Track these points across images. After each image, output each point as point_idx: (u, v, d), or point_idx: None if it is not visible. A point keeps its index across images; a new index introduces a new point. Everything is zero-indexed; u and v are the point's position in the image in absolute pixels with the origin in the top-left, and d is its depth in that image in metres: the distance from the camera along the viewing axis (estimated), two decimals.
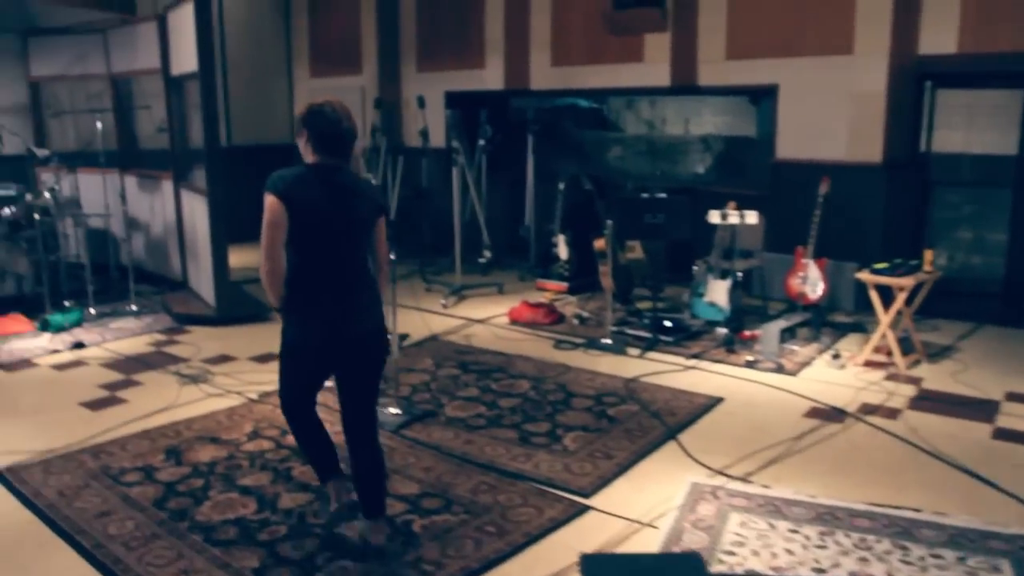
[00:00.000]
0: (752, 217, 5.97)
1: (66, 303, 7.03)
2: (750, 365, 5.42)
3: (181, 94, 7.31)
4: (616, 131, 10.27)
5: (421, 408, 4.71)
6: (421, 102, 9.00)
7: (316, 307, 2.96)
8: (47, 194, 7.00)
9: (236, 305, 6.75)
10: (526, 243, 8.67)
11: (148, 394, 5.06)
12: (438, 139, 9.31)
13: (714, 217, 6.05)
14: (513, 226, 8.98)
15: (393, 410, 4.56)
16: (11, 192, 7.37)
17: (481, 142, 8.59)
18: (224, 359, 5.76)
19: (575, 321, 6.57)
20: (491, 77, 9.15)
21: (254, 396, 4.98)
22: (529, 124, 8.49)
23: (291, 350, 3.09)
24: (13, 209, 7.17)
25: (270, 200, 2.88)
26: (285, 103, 11.14)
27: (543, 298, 7.25)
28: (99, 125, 7.28)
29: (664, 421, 4.48)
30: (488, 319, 6.76)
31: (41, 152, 6.42)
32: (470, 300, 7.44)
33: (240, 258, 9.48)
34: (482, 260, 8.07)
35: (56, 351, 5.95)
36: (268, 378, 5.29)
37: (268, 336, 6.22)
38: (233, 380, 5.28)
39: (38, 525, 3.47)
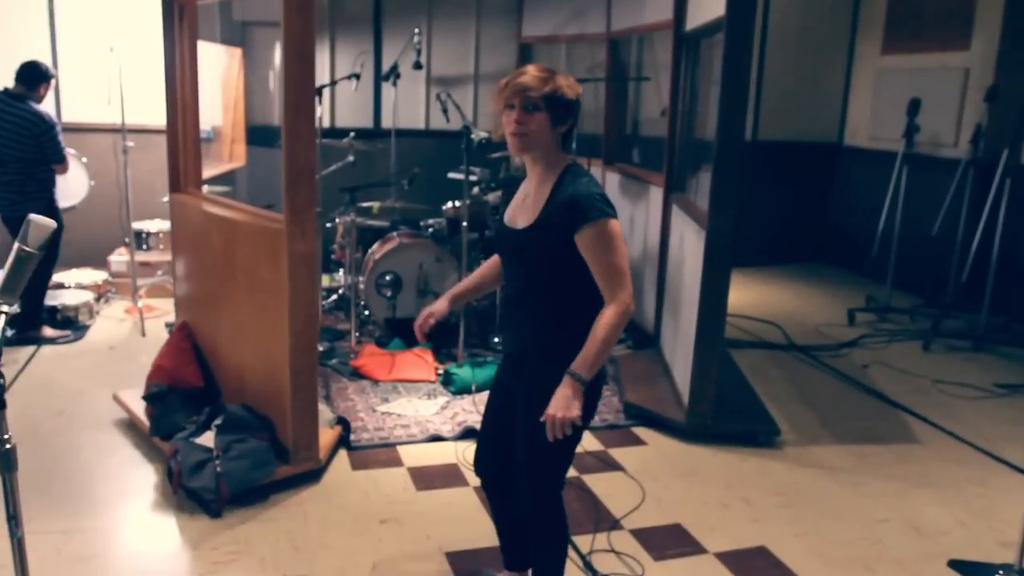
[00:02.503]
0: None
1: (496, 340, 5.07)
2: None
3: (695, 58, 4.75)
4: None
5: None
6: None
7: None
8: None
9: (722, 410, 4.02)
10: None
11: None
12: None
13: None
14: None
15: None
16: (472, 177, 5.58)
17: None
18: (673, 538, 3.11)
19: None
20: None
21: None
22: None
23: None
24: (456, 204, 5.39)
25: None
26: (838, 89, 8.03)
27: None
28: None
29: None
30: None
31: (478, 134, 4.40)
32: None
33: (745, 294, 6.82)
34: None
35: (437, 438, 3.87)
36: None
37: (762, 486, 3.42)
38: None
39: None
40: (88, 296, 5.48)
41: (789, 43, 7.66)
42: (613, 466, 3.69)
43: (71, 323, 5.30)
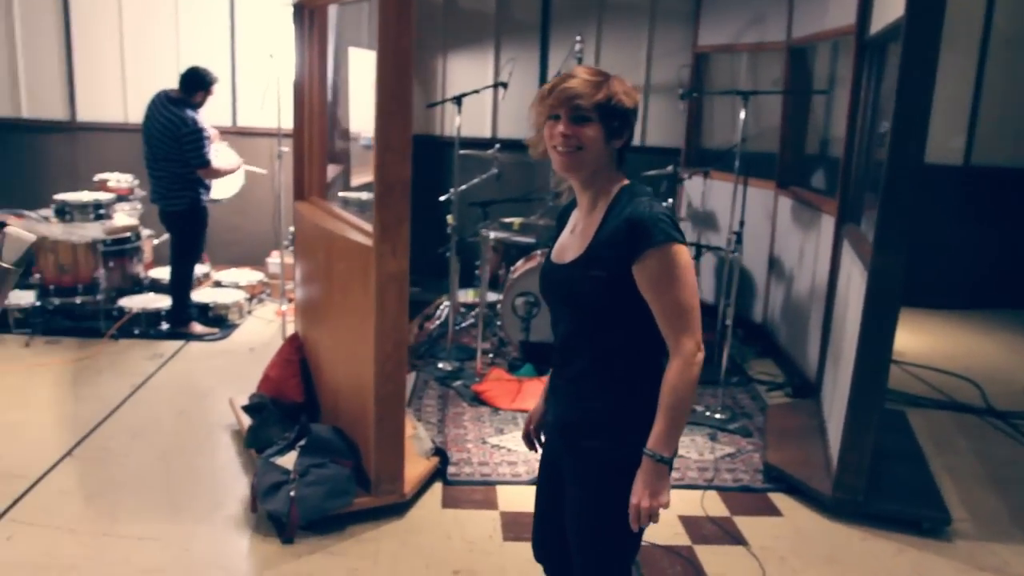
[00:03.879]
0: None
1: None
2: None
3: (879, 67, 4.11)
4: None
5: None
6: None
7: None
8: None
9: (880, 484, 3.39)
10: None
11: None
12: None
13: None
14: None
15: None
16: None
17: None
18: None
19: None
20: None
21: None
22: None
23: None
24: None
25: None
26: None
27: None
28: (741, 115, 4.61)
29: None
30: None
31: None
32: None
33: (938, 341, 5.92)
34: None
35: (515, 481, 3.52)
36: None
37: None
38: None
39: None
40: (240, 296, 5.62)
41: (1016, 52, 6.62)
42: (735, 538, 3.19)
43: (222, 321, 5.45)
